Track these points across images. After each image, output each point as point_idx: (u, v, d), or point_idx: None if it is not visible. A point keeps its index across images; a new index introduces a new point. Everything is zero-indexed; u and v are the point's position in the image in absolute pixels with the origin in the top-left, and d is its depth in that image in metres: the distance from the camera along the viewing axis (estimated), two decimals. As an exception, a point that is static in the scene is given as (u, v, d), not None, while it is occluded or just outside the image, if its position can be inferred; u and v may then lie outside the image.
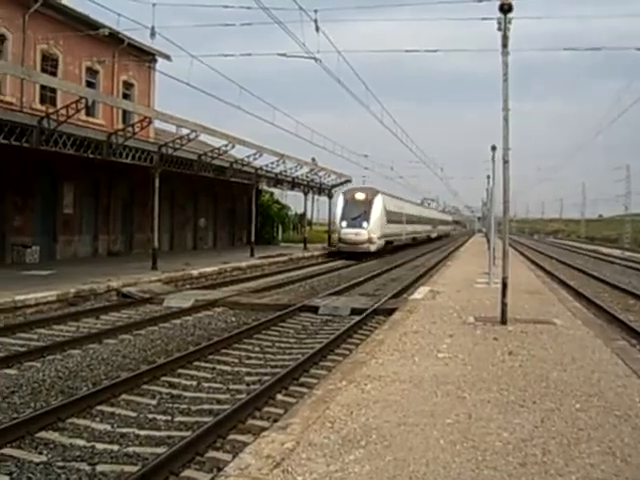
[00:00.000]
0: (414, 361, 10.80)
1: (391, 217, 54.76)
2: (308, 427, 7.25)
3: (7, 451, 8.07)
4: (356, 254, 46.73)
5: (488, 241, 31.25)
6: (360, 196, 50.67)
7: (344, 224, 49.25)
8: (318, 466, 6.15)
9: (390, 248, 54.70)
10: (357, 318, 17.81)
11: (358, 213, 49.10)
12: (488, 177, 32.05)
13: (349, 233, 48.43)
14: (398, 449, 6.64)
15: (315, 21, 24.97)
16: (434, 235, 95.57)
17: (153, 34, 27.89)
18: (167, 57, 41.43)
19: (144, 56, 41.60)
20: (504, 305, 14.70)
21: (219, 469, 7.27)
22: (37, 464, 7.72)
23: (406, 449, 6.64)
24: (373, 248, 48.64)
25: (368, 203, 49.92)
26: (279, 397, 10.55)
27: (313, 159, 53.01)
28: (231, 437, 8.62)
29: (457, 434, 7.10)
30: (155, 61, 43.07)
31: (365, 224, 48.70)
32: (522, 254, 54.11)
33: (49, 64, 34.27)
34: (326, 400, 8.32)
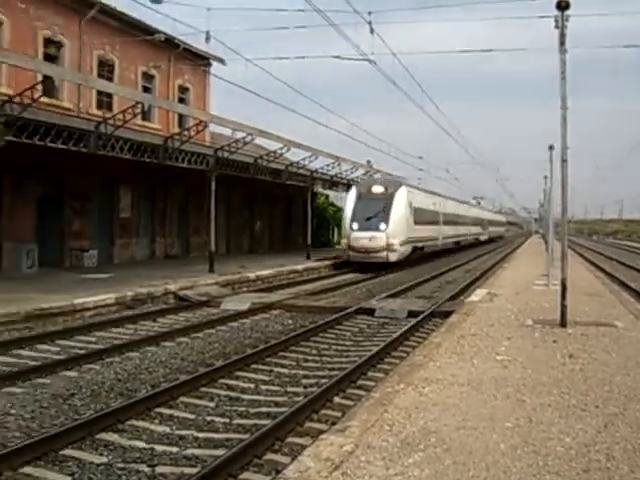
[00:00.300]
0: (472, 364, 10.70)
1: (421, 216, 43.20)
2: (367, 430, 7.22)
3: (68, 452, 8.17)
4: (370, 265, 36.54)
5: (546, 242, 30.85)
6: (377, 189, 39.65)
7: (355, 226, 37.99)
8: (377, 469, 6.11)
9: (419, 256, 43.70)
10: (414, 321, 17.73)
11: (374, 212, 37.98)
12: (545, 177, 31.73)
13: (361, 238, 37.14)
14: (458, 453, 6.57)
15: (369, 23, 24.98)
16: (484, 238, 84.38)
17: (208, 38, 28.18)
18: (222, 61, 41.81)
19: (199, 60, 42.05)
20: (563, 307, 14.48)
21: (278, 472, 7.26)
22: (98, 465, 7.80)
23: (466, 453, 6.57)
24: (394, 257, 37.61)
25: (388, 198, 38.70)
26: (337, 400, 10.51)
27: (368, 161, 52.92)
28: (289, 440, 8.61)
29: (517, 438, 7.00)
30: (210, 65, 43.45)
31: (382, 225, 37.50)
32: (581, 255, 53.36)
33: (105, 69, 34.81)
34: (384, 403, 8.27)
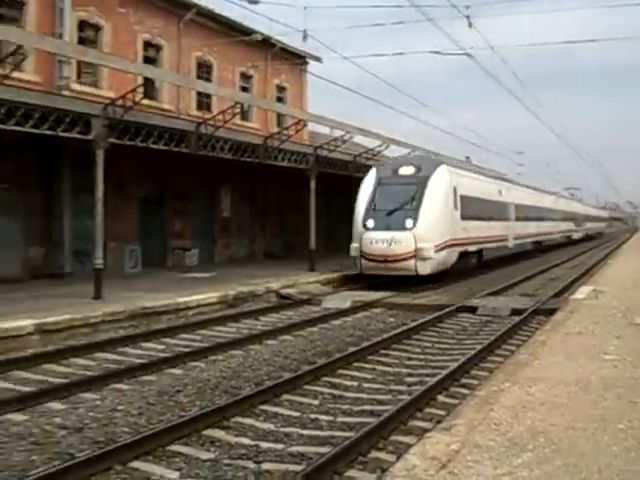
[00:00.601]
0: (579, 363, 10.45)
1: (474, 209, 31.01)
2: (473, 429, 7.13)
3: (176, 448, 8.34)
4: (392, 280, 26.02)
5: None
6: (405, 171, 28.10)
7: (370, 223, 26.56)
8: (485, 469, 6.02)
9: (473, 264, 32.26)
10: (517, 319, 17.48)
11: (398, 202, 26.63)
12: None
13: (377, 240, 25.90)
14: (567, 454, 6.41)
15: (467, 17, 24.81)
16: (579, 235, 73.26)
17: (305, 37, 28.42)
18: (318, 59, 42.06)
19: (296, 59, 42.41)
20: (675, 305, 14.04)
21: (383, 470, 7.27)
22: (204, 461, 7.94)
23: (576, 454, 6.41)
24: (426, 269, 25.86)
25: (420, 183, 27.10)
26: (440, 398, 10.46)
27: (467, 157, 52.52)
28: (393, 438, 8.60)
29: (631, 440, 6.78)
30: (307, 63, 43.74)
31: (409, 222, 25.92)
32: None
33: (204, 71, 35.48)
34: (490, 401, 8.16)
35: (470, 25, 25.09)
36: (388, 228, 25.95)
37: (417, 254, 25.42)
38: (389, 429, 8.78)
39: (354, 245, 26.98)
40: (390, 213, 26.41)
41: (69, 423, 9.23)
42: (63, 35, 26.04)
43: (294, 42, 37.92)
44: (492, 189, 36.52)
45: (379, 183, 27.83)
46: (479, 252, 32.72)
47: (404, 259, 25.57)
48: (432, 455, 6.34)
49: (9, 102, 17.91)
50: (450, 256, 27.68)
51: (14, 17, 25.29)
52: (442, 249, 26.65)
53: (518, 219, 41.36)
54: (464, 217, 29.24)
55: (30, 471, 7.39)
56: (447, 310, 19.26)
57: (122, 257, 27.98)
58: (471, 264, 31.41)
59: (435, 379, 11.07)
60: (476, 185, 32.88)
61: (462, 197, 29.22)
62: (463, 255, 29.40)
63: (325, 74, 72.18)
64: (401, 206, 26.46)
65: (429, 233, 25.98)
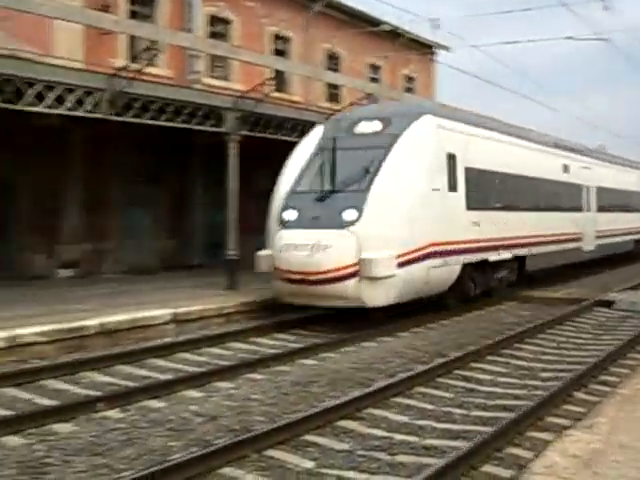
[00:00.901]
0: None
1: (495, 192, 19.59)
2: (616, 428, 6.89)
3: (310, 438, 8.35)
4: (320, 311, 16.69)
5: None
6: (365, 127, 16.95)
7: (290, 215, 16.09)
8: (630, 470, 5.80)
9: (506, 281, 20.40)
10: (658, 314, 16.85)
11: (339, 181, 15.84)
12: None
13: (295, 245, 15.27)
14: None
15: (603, -1, 24.12)
16: None
17: (435, 26, 28.17)
18: (446, 48, 41.57)
19: (424, 49, 41.98)
20: None
21: (520, 466, 7.10)
22: (338, 451, 7.93)
23: None
24: (379, 296, 14.89)
25: (382, 147, 15.93)
26: (578, 395, 10.14)
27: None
28: (529, 434, 8.38)
29: None
30: (435, 53, 43.34)
31: (350, 213, 14.98)
32: None
33: (332, 62, 35.66)
34: (634, 400, 7.87)
35: (605, 8, 24.36)
36: (315, 224, 15.39)
37: (362, 270, 14.68)
38: (525, 425, 8.57)
39: (263, 253, 17.04)
40: (322, 198, 15.87)
41: (204, 411, 9.40)
42: (193, 30, 26.59)
43: (422, 31, 37.63)
44: (546, 162, 23.87)
45: (321, 147, 17.08)
46: (519, 260, 20.92)
47: (336, 279, 14.81)
48: (573, 453, 6.16)
49: (144, 97, 18.36)
50: (440, 272, 16.46)
51: (146, 14, 26.04)
52: (417, 260, 15.54)
53: (603, 209, 29.11)
54: (474, 205, 18.09)
55: (169, 456, 7.58)
56: (583, 304, 18.72)
57: (251, 249, 28.31)
58: (496, 281, 19.94)
59: (572, 375, 10.77)
60: (504, 153, 20.61)
61: (469, 171, 18.04)
62: (476, 267, 18.37)
63: (453, 62, 71.37)
64: (343, 186, 15.84)
65: (386, 232, 15.01)
